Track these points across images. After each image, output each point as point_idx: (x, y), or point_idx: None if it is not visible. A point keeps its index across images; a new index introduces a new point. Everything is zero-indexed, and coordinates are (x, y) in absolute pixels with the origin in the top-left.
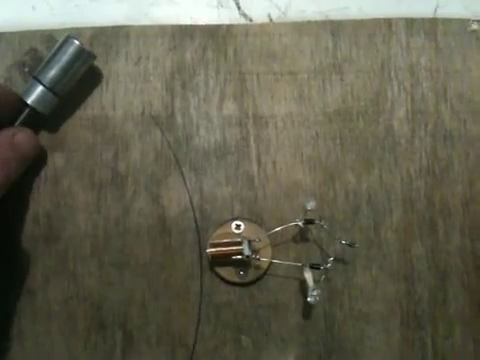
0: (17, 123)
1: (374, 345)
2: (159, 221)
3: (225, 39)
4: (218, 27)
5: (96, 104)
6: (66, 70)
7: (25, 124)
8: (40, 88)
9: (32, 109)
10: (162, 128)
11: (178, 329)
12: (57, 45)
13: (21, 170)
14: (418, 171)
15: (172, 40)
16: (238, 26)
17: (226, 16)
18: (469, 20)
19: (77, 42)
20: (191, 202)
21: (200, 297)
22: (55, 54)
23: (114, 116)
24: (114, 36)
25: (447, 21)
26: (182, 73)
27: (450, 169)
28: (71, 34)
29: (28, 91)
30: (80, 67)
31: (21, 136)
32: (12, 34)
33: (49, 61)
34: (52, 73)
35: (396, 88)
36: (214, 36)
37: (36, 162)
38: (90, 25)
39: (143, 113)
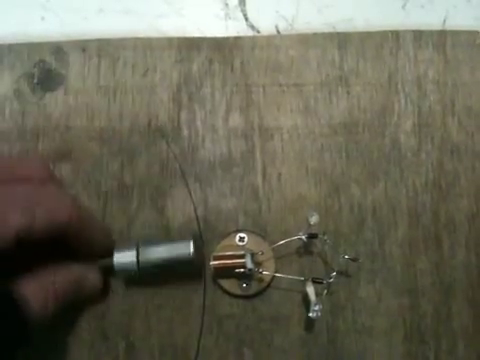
0: (96, 263)
1: (377, 359)
2: (164, 232)
3: (232, 51)
4: (225, 39)
5: (103, 116)
6: (165, 267)
7: (101, 268)
8: (133, 259)
9: (113, 267)
10: (168, 140)
11: (180, 340)
12: (179, 240)
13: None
14: (424, 185)
15: (179, 52)
16: (244, 38)
17: (234, 28)
18: (478, 32)
19: (192, 252)
20: (196, 213)
21: (203, 309)
22: (171, 245)
23: (121, 128)
24: (121, 48)
25: (455, 33)
26: (189, 85)
27: (456, 183)
28: (196, 236)
29: (123, 249)
30: (178, 268)
31: (91, 279)
32: (21, 45)
33: (161, 245)
34: (153, 260)
35: (403, 101)
36: (221, 48)
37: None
38: (98, 37)
39: (149, 125)
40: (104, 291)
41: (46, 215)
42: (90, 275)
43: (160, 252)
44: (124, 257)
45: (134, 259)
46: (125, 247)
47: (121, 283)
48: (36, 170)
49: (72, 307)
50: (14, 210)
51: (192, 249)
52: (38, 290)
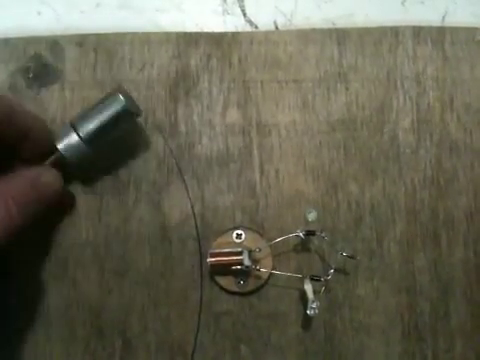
0: (46, 162)
1: (374, 357)
2: (160, 229)
3: (230, 47)
4: (223, 35)
5: None
6: (108, 129)
7: (54, 165)
8: (74, 137)
9: (61, 154)
10: (165, 135)
11: (177, 337)
12: (104, 96)
13: (40, 212)
14: (422, 182)
15: (176, 47)
16: (243, 34)
17: (232, 23)
18: (477, 29)
19: (123, 100)
20: (193, 210)
21: (200, 306)
22: (98, 106)
23: None
24: (118, 43)
25: (454, 30)
26: (186, 81)
27: (455, 180)
28: (121, 89)
29: (61, 136)
30: (121, 125)
31: (46, 177)
32: (17, 39)
33: (93, 111)
34: (93, 128)
35: (402, 97)
36: (219, 44)
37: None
38: (95, 31)
39: (146, 120)
40: (66, 193)
41: None
42: (44, 173)
43: (95, 117)
44: (66, 141)
45: (76, 137)
46: (62, 133)
47: (117, 281)
48: None
49: (41, 216)
50: None
51: (122, 98)
52: None
